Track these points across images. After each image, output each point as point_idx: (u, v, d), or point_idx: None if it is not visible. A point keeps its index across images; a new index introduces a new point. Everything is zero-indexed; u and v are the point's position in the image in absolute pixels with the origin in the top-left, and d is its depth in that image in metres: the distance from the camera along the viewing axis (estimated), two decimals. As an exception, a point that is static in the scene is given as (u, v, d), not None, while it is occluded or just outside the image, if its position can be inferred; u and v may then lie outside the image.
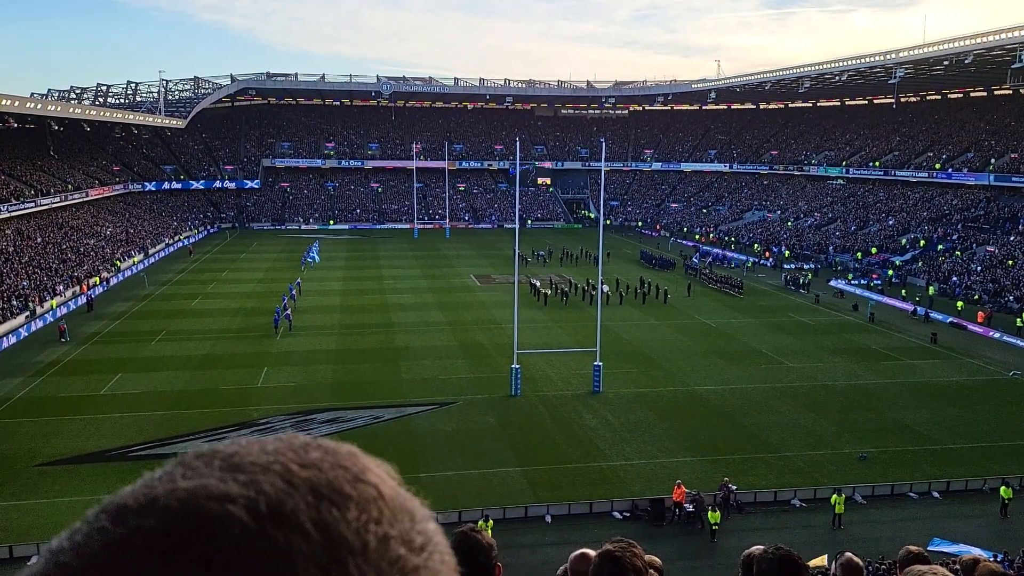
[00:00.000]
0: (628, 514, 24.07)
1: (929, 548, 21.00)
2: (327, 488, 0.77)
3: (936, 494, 25.53)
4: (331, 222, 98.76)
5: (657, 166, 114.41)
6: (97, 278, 57.78)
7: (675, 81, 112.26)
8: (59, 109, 71.89)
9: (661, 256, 71.66)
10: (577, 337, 42.96)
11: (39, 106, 67.90)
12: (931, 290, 56.13)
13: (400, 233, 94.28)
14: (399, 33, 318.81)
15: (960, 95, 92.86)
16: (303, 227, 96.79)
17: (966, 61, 68.00)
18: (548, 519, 23.50)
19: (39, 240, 62.22)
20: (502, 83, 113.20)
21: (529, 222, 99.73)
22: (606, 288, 50.21)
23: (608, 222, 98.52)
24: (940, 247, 66.46)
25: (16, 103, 59.99)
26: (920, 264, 64.64)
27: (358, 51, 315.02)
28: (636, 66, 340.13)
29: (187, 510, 0.71)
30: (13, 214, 62.16)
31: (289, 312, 46.66)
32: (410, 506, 0.86)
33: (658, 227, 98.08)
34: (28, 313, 46.77)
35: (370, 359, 39.37)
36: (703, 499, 23.81)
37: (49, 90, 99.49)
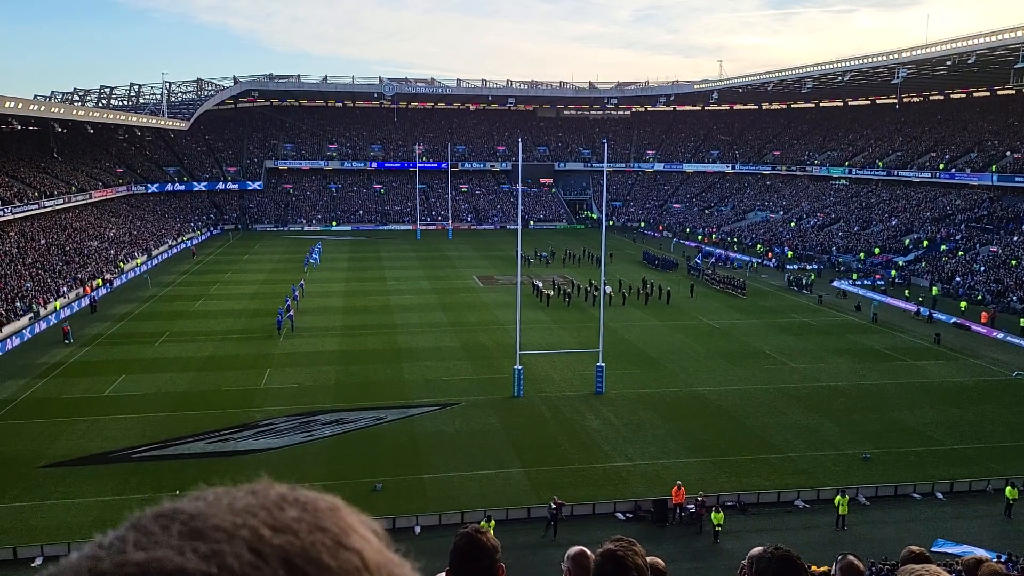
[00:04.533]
0: (631, 515, 24.06)
1: (933, 549, 20.97)
2: (303, 558, 0.67)
3: (940, 495, 25.49)
4: (334, 223, 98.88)
5: (659, 167, 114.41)
6: (100, 280, 57.89)
7: (677, 82, 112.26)
8: (62, 111, 72.02)
9: (664, 257, 71.65)
10: (580, 338, 42.97)
11: (43, 108, 68.02)
12: (934, 290, 56.04)
13: (403, 234, 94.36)
14: (400, 33, 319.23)
15: (963, 95, 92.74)
16: (306, 228, 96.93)
17: (969, 61, 67.88)
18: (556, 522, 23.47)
19: (43, 242, 62.36)
20: (504, 84, 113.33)
21: (532, 223, 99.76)
22: (609, 289, 50.20)
23: (611, 223, 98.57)
24: (943, 247, 66.36)
25: (20, 105, 60.13)
26: (923, 264, 64.55)
27: (359, 51, 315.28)
28: (638, 67, 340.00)
29: None
30: (17, 216, 62.31)
31: (292, 313, 46.73)
32: (398, 574, 0.74)
33: (661, 228, 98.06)
34: (32, 315, 46.87)
35: (373, 360, 39.40)
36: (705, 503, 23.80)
37: (52, 92, 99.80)
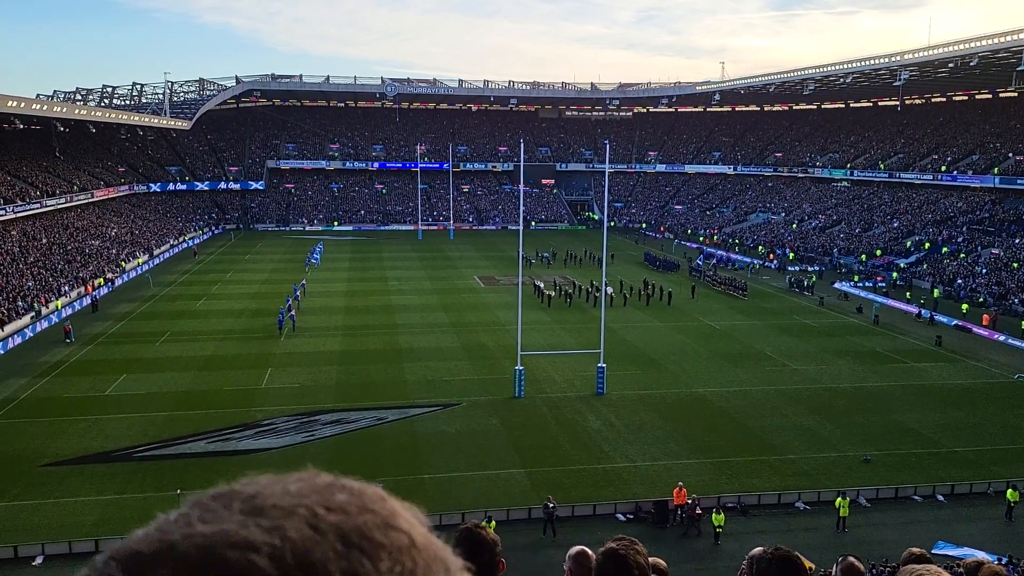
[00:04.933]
0: (631, 516, 24.06)
1: (933, 551, 20.96)
2: (357, 535, 0.72)
3: (941, 497, 25.48)
4: (335, 223, 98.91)
5: (661, 168, 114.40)
6: (102, 279, 57.94)
7: (679, 83, 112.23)
8: (65, 110, 72.12)
9: (665, 258, 71.64)
10: (581, 339, 42.96)
11: (45, 107, 68.13)
12: (936, 293, 56.01)
13: (404, 234, 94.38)
14: (401, 33, 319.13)
15: (965, 97, 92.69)
16: (307, 228, 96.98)
17: (971, 63, 67.87)
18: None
19: (44, 241, 62.43)
20: (506, 85, 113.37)
21: (533, 223, 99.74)
22: (610, 290, 50.19)
23: (612, 224, 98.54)
24: (945, 250, 66.31)
25: (22, 104, 60.20)
26: (925, 267, 64.51)
27: (360, 51, 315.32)
28: (640, 67, 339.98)
29: (206, 559, 0.66)
30: (19, 215, 62.41)
31: (293, 313, 46.75)
32: (443, 555, 0.79)
33: (662, 229, 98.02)
34: (33, 314, 46.92)
35: (374, 360, 39.42)
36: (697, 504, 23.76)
37: (55, 91, 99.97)
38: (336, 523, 0.72)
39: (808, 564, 13.76)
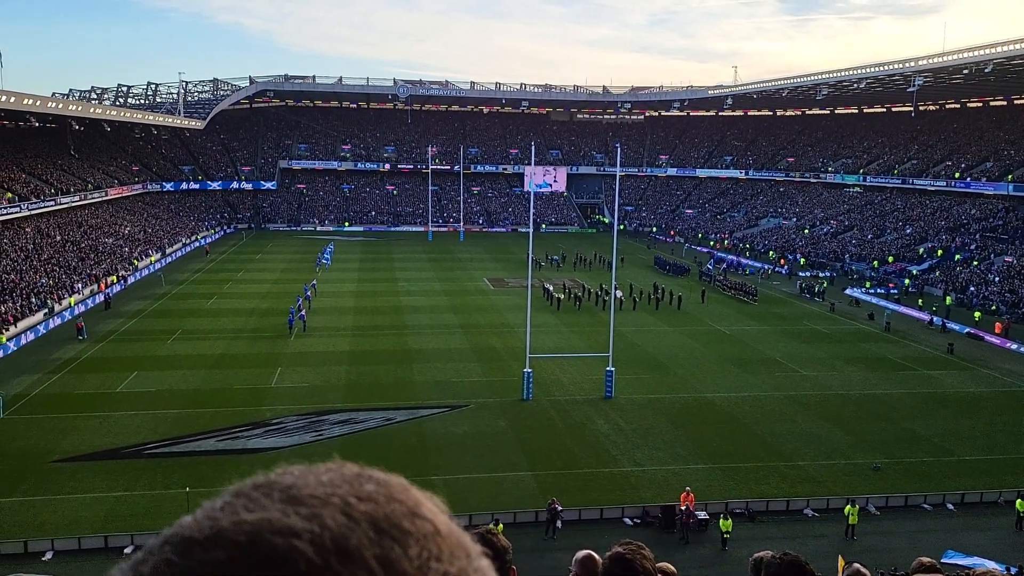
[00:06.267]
0: (639, 520, 24.01)
1: (943, 560, 20.84)
2: (387, 523, 0.77)
3: (951, 506, 25.32)
4: (346, 224, 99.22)
5: (672, 172, 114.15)
6: (115, 277, 58.31)
7: (691, 87, 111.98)
8: (80, 109, 72.64)
9: (675, 262, 71.49)
10: (590, 342, 42.93)
11: (60, 106, 68.63)
12: (948, 300, 55.66)
13: (414, 235, 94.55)
14: (413, 35, 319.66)
15: (979, 104, 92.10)
16: (318, 228, 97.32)
17: (986, 70, 67.42)
18: (559, 524, 23.47)
19: (58, 238, 62.89)
20: (518, 87, 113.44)
21: (543, 226, 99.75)
22: (619, 293, 50.13)
23: (622, 227, 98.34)
24: (958, 257, 65.89)
25: (38, 103, 60.65)
26: (937, 274, 64.12)
27: (372, 52, 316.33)
28: (652, 71, 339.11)
29: (254, 543, 0.72)
30: (33, 212, 62.91)
31: (304, 313, 46.92)
32: (465, 542, 0.85)
33: (672, 233, 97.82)
34: (46, 310, 47.27)
35: (383, 361, 39.51)
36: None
37: (70, 90, 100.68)
38: (367, 511, 0.78)
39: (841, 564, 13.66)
